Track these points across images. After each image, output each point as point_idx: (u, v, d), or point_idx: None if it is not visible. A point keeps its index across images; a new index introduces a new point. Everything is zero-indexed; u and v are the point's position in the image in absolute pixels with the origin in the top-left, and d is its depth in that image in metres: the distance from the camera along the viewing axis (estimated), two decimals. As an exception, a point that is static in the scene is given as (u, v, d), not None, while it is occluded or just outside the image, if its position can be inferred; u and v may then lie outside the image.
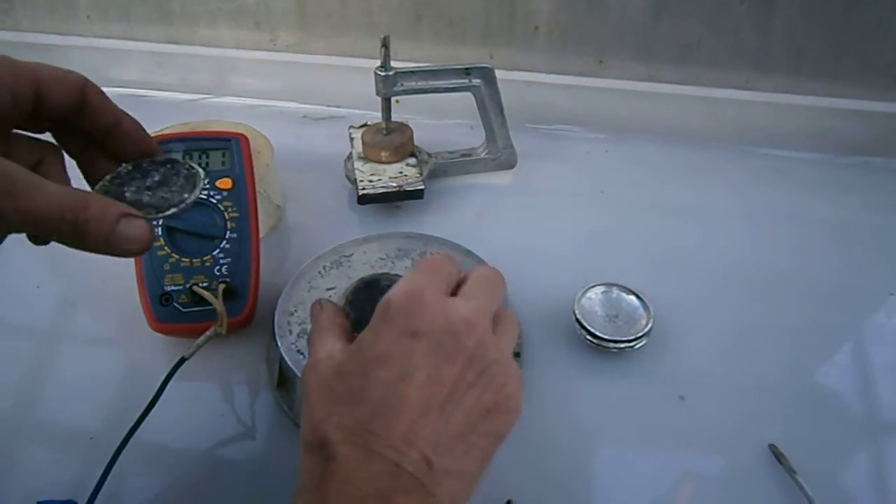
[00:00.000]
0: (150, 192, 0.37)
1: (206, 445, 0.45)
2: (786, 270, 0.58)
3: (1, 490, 0.43)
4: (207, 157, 0.55)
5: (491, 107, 0.65)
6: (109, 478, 0.41)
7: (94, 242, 0.33)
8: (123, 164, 0.39)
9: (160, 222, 0.50)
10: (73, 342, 0.53)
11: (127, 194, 0.37)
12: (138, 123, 0.39)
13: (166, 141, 0.56)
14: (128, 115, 0.38)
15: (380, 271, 0.51)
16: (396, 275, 0.46)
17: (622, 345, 0.49)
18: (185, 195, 0.37)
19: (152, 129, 0.60)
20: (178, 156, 0.55)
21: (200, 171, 0.39)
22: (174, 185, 0.38)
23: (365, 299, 0.46)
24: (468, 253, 0.53)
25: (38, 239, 0.37)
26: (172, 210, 0.37)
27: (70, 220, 0.32)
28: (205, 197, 0.52)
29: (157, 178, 0.38)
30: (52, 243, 0.63)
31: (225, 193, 0.52)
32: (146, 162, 0.39)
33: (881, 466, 0.45)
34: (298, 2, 0.76)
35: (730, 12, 0.69)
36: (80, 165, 0.39)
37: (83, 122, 0.37)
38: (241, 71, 0.79)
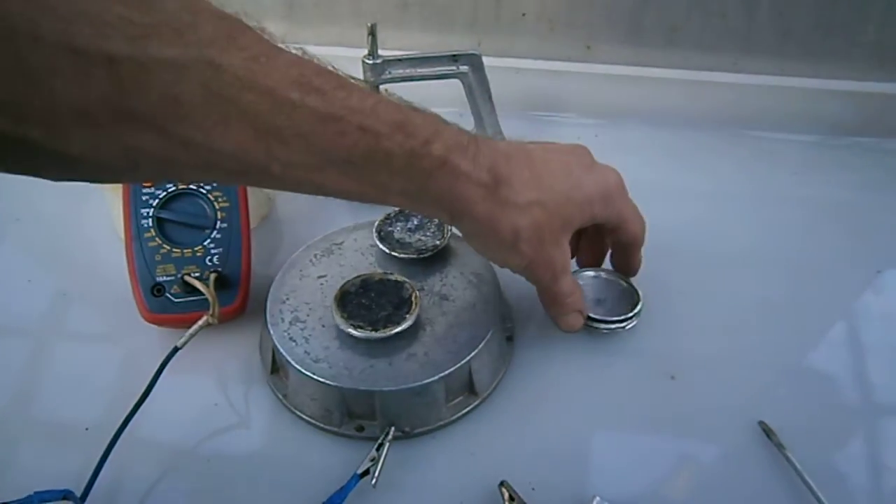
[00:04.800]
0: (410, 233, 0.51)
1: (201, 434, 0.46)
2: (774, 250, 0.58)
3: (-3, 482, 0.43)
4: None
5: (479, 93, 0.65)
6: (105, 468, 0.41)
7: (553, 311, 0.48)
8: (392, 210, 0.50)
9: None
10: (67, 335, 0.54)
11: (395, 233, 0.51)
12: None
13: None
14: None
15: (370, 258, 0.51)
16: (388, 273, 0.47)
17: (612, 325, 0.49)
18: (437, 242, 0.50)
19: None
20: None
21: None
22: (429, 230, 0.51)
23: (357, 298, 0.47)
24: (457, 238, 0.53)
25: None
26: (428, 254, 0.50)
27: (560, 299, 0.47)
28: (194, 188, 0.52)
29: (416, 223, 0.51)
30: (45, 236, 0.63)
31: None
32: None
33: (870, 441, 0.46)
34: (285, -8, 0.76)
35: (716, -6, 0.69)
36: None
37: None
38: (230, 63, 0.79)
